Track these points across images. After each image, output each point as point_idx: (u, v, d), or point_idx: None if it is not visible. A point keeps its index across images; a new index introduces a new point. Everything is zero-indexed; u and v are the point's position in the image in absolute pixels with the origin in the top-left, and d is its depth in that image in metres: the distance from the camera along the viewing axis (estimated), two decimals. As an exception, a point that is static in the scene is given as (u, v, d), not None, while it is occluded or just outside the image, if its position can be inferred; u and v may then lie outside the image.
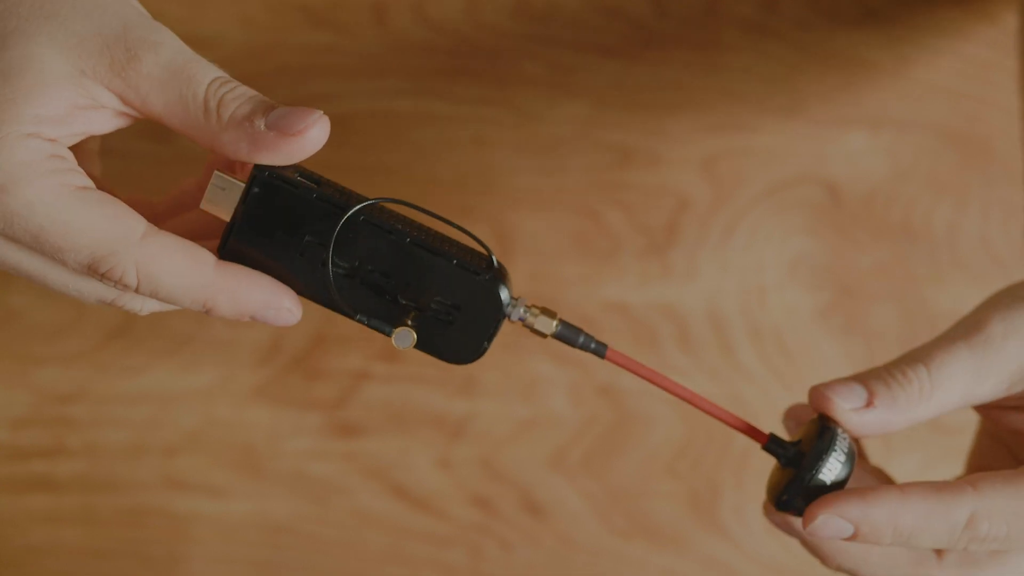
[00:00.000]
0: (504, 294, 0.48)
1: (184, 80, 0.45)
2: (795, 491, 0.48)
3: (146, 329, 0.80)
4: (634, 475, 0.82)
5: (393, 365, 0.81)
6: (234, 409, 0.80)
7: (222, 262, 0.47)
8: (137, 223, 0.45)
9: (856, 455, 0.49)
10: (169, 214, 0.52)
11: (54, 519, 0.81)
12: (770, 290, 0.81)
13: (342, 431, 0.81)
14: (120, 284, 0.45)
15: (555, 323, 0.49)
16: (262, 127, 0.45)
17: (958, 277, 0.83)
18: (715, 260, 0.81)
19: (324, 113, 0.46)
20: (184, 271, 0.46)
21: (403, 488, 0.81)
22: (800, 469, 0.48)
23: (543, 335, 0.49)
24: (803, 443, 0.51)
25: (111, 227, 0.44)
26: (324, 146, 0.47)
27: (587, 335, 0.50)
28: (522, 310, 0.49)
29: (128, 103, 0.45)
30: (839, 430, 0.48)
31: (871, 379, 0.49)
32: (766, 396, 0.81)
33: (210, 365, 0.80)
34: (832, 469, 0.47)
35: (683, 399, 0.49)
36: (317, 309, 0.80)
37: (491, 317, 0.48)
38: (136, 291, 0.46)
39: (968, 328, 0.49)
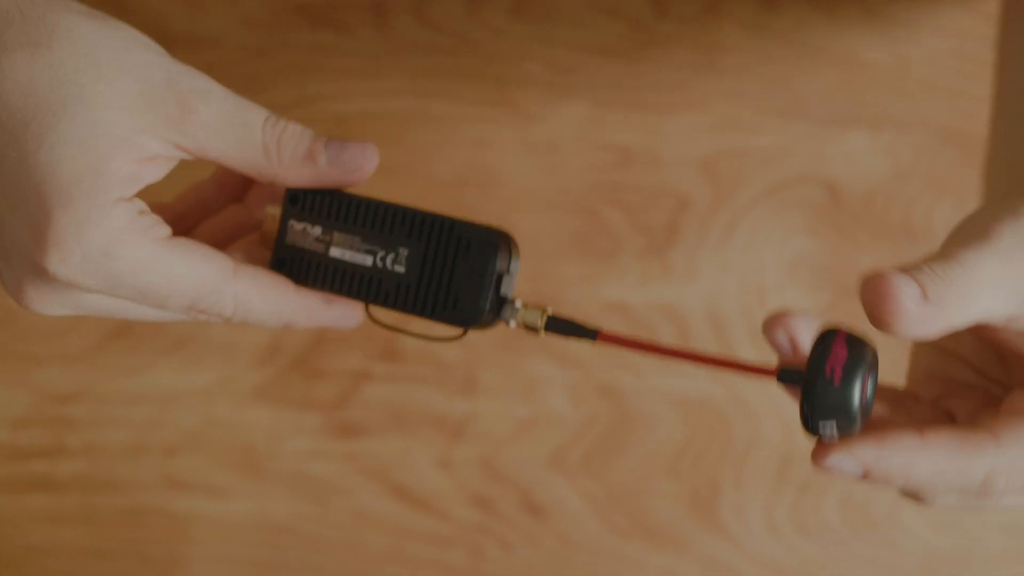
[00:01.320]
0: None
1: (240, 125, 0.47)
2: (810, 403, 0.45)
3: (146, 329, 0.80)
4: (634, 475, 0.82)
5: (393, 365, 0.81)
6: (234, 409, 0.80)
7: (299, 286, 0.50)
8: (227, 261, 0.48)
9: (866, 348, 0.45)
10: (191, 216, 0.53)
11: (54, 519, 0.81)
12: (770, 290, 0.81)
13: (342, 431, 0.81)
14: (217, 316, 0.48)
15: (544, 316, 0.50)
16: (324, 165, 0.49)
17: (958, 277, 0.83)
18: (715, 260, 0.81)
19: (374, 144, 0.49)
20: (272, 299, 0.49)
21: (403, 488, 0.81)
22: (803, 386, 0.45)
23: (535, 330, 0.50)
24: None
25: (208, 269, 0.47)
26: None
27: (576, 323, 0.50)
28: (510, 310, 0.50)
29: (183, 150, 0.47)
30: (836, 330, 0.46)
31: (918, 274, 0.44)
32: (766, 396, 0.81)
33: (210, 365, 0.80)
34: (834, 370, 0.45)
35: (686, 360, 0.47)
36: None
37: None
38: (229, 319, 0.49)
39: (983, 235, 0.45)
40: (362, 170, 0.49)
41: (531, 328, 0.49)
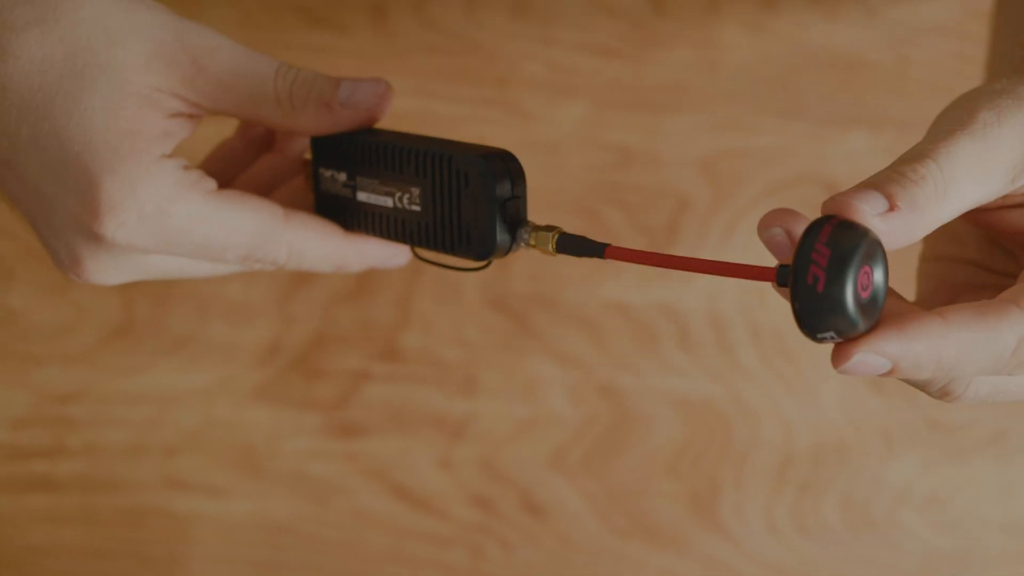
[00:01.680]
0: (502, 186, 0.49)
1: (251, 78, 0.47)
2: (799, 315, 0.40)
3: (146, 329, 0.80)
4: (634, 475, 0.82)
5: (393, 365, 0.81)
6: (234, 409, 0.80)
7: (346, 231, 0.51)
8: (277, 208, 0.48)
9: (856, 240, 0.40)
10: (222, 175, 0.54)
11: (54, 519, 0.81)
12: (770, 290, 0.81)
13: (342, 431, 0.81)
14: (271, 264, 0.49)
15: (555, 236, 0.49)
16: (339, 108, 0.49)
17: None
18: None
19: (386, 80, 0.50)
20: (324, 242, 0.50)
21: (403, 488, 0.81)
22: (790, 293, 0.40)
23: (548, 251, 0.49)
24: None
25: (260, 217, 0.48)
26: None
27: (585, 240, 0.49)
28: (524, 233, 0.49)
29: (199, 107, 0.47)
30: (822, 221, 0.40)
31: (884, 183, 0.42)
32: (766, 396, 0.81)
33: (210, 365, 0.80)
34: (816, 276, 0.39)
35: (689, 269, 0.44)
36: (313, 310, 0.80)
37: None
38: (283, 267, 0.49)
39: (960, 118, 0.43)
40: (379, 107, 0.50)
41: (544, 250, 0.49)
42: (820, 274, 0.40)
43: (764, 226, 0.43)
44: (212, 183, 0.47)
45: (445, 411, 0.81)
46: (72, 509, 0.80)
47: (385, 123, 0.53)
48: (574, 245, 0.49)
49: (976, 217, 0.47)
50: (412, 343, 0.80)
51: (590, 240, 0.48)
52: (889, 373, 0.42)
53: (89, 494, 0.80)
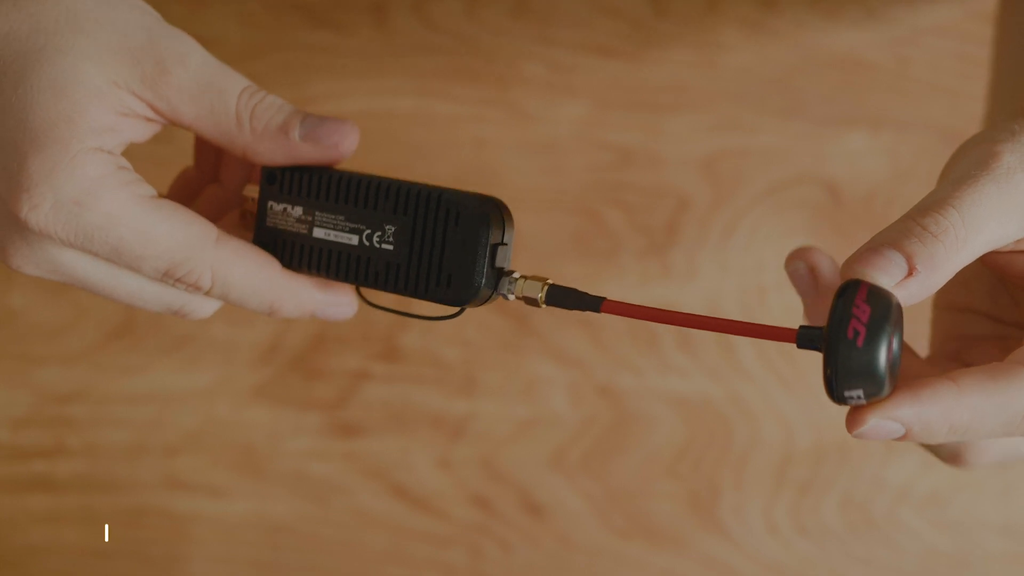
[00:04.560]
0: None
1: (214, 92, 0.46)
2: (834, 369, 0.40)
3: (146, 329, 0.80)
4: (634, 475, 0.82)
5: (393, 365, 0.81)
6: (234, 409, 0.80)
7: (284, 269, 0.49)
8: (210, 228, 0.46)
9: (890, 302, 0.41)
10: (180, 203, 0.53)
11: (54, 519, 0.81)
12: (770, 290, 0.81)
13: (342, 431, 0.81)
14: (194, 287, 0.46)
15: (545, 287, 0.47)
16: (297, 138, 0.47)
17: (958, 277, 0.82)
18: (715, 260, 0.81)
19: (354, 122, 0.48)
20: (255, 274, 0.47)
21: (403, 488, 0.81)
22: (825, 350, 0.40)
23: (536, 303, 0.47)
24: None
25: (188, 232, 0.46)
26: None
27: (580, 293, 0.47)
28: (508, 282, 0.47)
29: (158, 112, 0.46)
30: (857, 282, 0.41)
31: (903, 240, 0.42)
32: (766, 396, 0.81)
33: (210, 365, 0.80)
34: (857, 331, 0.40)
35: (698, 327, 0.44)
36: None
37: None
38: (208, 294, 0.47)
39: (983, 162, 0.43)
40: (338, 147, 0.48)
41: (531, 301, 0.46)
42: (861, 329, 0.40)
43: (790, 260, 0.45)
44: (149, 189, 0.46)
45: (445, 411, 0.81)
46: (72, 509, 0.80)
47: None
48: (566, 298, 0.46)
49: (986, 258, 0.47)
50: (412, 343, 0.80)
51: (584, 293, 0.46)
52: (903, 438, 0.42)
53: (89, 494, 0.80)
